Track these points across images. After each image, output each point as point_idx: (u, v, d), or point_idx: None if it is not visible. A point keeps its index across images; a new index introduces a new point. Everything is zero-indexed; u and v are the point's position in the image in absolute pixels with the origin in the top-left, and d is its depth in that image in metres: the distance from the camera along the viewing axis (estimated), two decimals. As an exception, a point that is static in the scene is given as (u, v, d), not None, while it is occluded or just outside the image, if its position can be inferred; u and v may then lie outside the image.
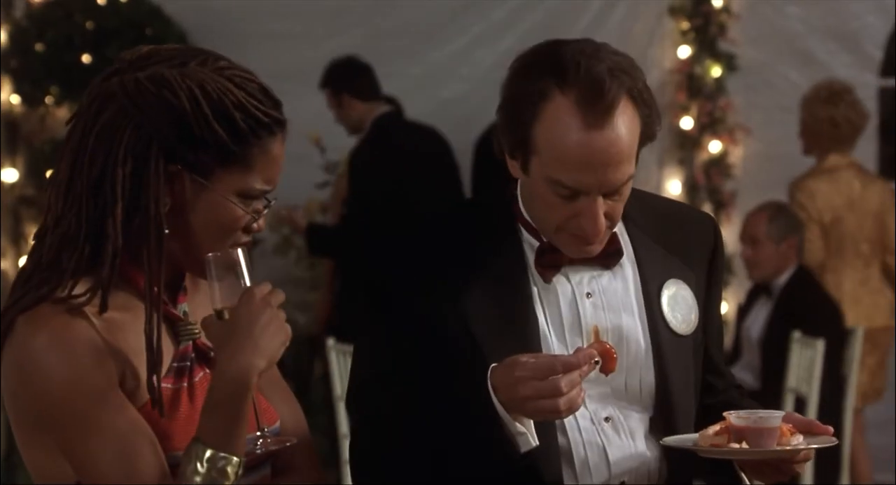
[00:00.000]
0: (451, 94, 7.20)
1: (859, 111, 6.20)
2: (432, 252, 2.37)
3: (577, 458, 2.31)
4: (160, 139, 2.05)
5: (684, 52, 7.18)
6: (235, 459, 2.00)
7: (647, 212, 2.44)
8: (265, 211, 2.14)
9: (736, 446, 2.23)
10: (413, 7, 7.24)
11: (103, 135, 2.06)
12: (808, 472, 5.41)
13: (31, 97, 6.67)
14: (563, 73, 2.23)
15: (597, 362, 2.18)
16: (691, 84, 7.14)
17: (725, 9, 7.16)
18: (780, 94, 7.10)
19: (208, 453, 1.98)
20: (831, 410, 5.51)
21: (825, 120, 6.14)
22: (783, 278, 5.78)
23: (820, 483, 5.52)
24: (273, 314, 2.02)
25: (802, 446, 2.25)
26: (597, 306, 2.35)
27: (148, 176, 2.05)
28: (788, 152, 7.03)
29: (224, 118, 2.06)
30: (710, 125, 7.14)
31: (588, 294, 2.36)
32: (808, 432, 2.29)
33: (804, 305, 5.70)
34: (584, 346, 2.25)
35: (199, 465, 1.98)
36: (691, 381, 2.39)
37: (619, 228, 2.38)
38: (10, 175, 6.78)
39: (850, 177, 6.18)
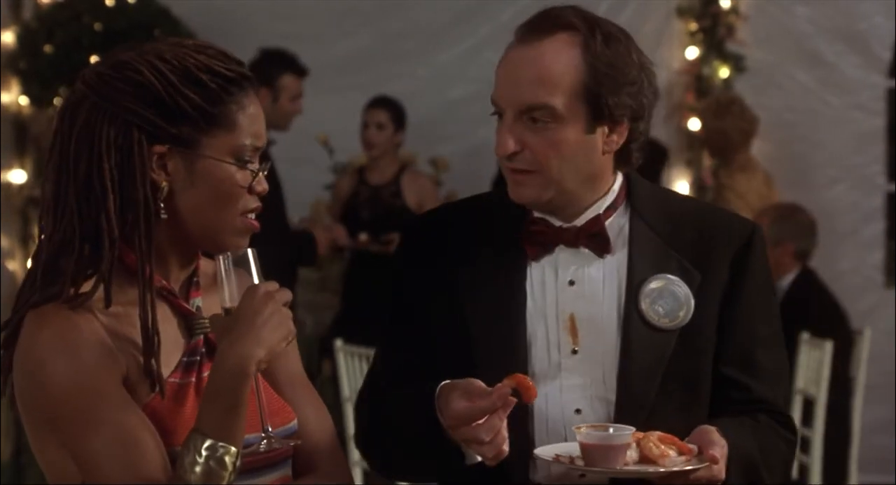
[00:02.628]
0: (459, 95, 7.19)
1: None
2: (445, 228, 2.46)
3: (539, 446, 2.32)
4: (138, 122, 2.06)
5: (692, 53, 7.18)
6: (234, 449, 1.99)
7: (661, 209, 2.44)
8: (264, 171, 2.14)
9: (580, 463, 2.20)
10: (421, 8, 7.24)
11: (82, 137, 2.06)
12: (815, 472, 5.40)
13: (40, 98, 6.67)
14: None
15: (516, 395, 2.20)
16: (699, 85, 7.14)
17: (733, 10, 7.16)
18: (788, 94, 7.10)
19: (207, 443, 1.98)
20: (839, 411, 5.51)
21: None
22: (787, 280, 5.80)
23: (827, 483, 5.52)
24: (276, 308, 2.02)
25: (641, 469, 2.18)
26: (577, 295, 2.37)
27: (133, 162, 2.05)
28: (796, 153, 7.04)
29: (192, 82, 2.07)
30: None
31: (571, 282, 2.38)
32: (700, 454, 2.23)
33: (809, 308, 5.71)
34: (561, 329, 2.33)
35: (197, 455, 1.97)
36: (658, 374, 2.35)
37: (623, 220, 2.40)
38: (19, 176, 6.79)
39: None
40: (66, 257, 2.06)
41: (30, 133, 6.81)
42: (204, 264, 2.21)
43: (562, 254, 2.39)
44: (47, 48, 6.66)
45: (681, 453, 2.21)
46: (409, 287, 2.46)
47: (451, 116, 7.12)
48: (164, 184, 2.07)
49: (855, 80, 7.07)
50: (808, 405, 5.46)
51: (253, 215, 2.14)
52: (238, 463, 2.00)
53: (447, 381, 2.27)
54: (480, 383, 2.22)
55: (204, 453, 1.97)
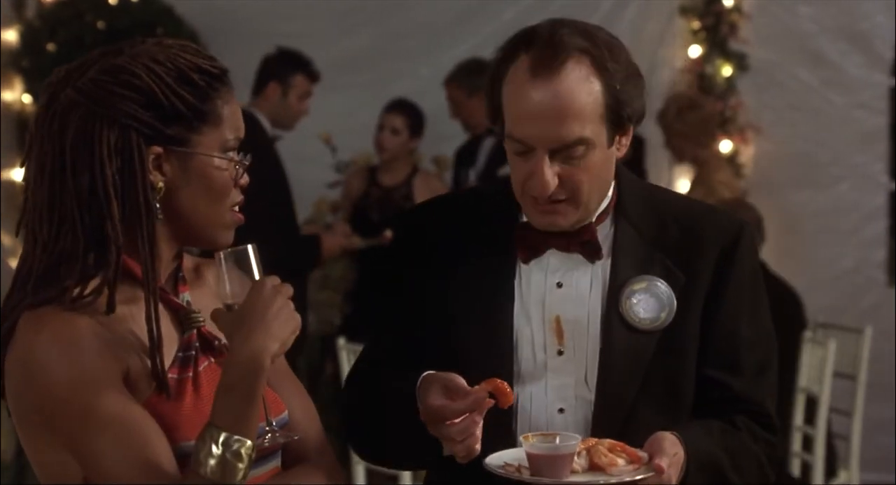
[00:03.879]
0: (462, 93, 7.20)
1: None
2: (440, 221, 2.48)
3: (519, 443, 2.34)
4: (136, 126, 2.06)
5: (695, 51, 7.18)
6: (249, 442, 2.00)
7: (647, 208, 2.44)
8: (246, 161, 2.16)
9: (526, 472, 2.19)
10: (423, 8, 7.24)
11: (78, 145, 2.06)
12: (818, 470, 5.41)
13: (43, 97, 6.69)
14: (532, 38, 2.33)
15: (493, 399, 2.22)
16: (702, 83, 7.13)
17: (736, 8, 7.15)
18: (790, 93, 7.09)
19: (223, 436, 1.99)
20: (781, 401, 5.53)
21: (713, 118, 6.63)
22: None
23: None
24: (284, 302, 2.04)
25: (587, 480, 2.17)
26: (564, 297, 2.39)
27: (134, 166, 2.06)
28: (799, 151, 7.04)
29: (185, 81, 2.09)
30: (720, 124, 7.14)
31: (559, 284, 2.39)
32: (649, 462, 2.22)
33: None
34: (547, 330, 2.35)
35: (213, 448, 1.98)
36: (638, 375, 2.35)
37: (609, 221, 2.41)
38: (22, 174, 6.80)
39: None
40: (68, 265, 2.06)
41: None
42: (186, 259, 2.23)
43: (552, 257, 2.40)
44: (50, 46, 6.68)
45: (630, 462, 2.21)
46: (401, 277, 2.48)
47: (453, 115, 7.12)
48: (161, 184, 2.09)
49: (858, 79, 7.07)
50: (811, 404, 5.46)
51: (237, 208, 2.16)
52: (253, 455, 2.02)
53: (430, 372, 2.29)
54: (461, 380, 2.24)
55: (220, 446, 1.99)
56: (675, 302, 2.38)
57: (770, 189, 6.80)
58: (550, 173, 2.31)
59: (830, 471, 5.64)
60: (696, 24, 7.20)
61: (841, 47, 7.09)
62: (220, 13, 7.02)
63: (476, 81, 6.60)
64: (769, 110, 7.08)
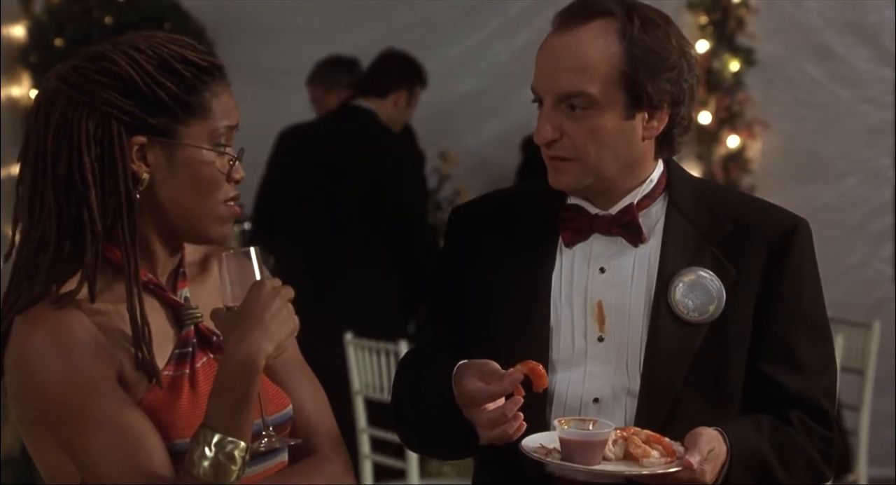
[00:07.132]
0: (468, 88, 7.19)
1: None
2: (488, 214, 2.49)
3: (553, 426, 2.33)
4: (117, 114, 2.05)
5: (702, 46, 7.17)
6: (242, 444, 1.99)
7: (700, 200, 2.42)
8: (240, 156, 2.14)
9: (557, 457, 2.20)
10: (430, 2, 7.24)
11: (59, 132, 2.05)
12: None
13: (50, 92, 6.70)
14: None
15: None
16: (709, 78, 7.13)
17: (744, 3, 7.15)
18: (798, 88, 7.09)
19: (216, 438, 1.98)
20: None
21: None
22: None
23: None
24: (283, 304, 2.02)
25: (617, 469, 2.18)
26: (606, 282, 2.37)
27: (114, 154, 2.05)
28: (806, 147, 7.04)
29: (167, 70, 2.07)
30: (728, 120, 7.13)
31: (602, 269, 2.38)
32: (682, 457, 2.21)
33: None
34: (589, 316, 2.34)
35: (206, 449, 1.97)
36: (684, 368, 2.33)
37: (660, 210, 2.40)
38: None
39: None
40: (43, 255, 2.05)
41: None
42: (189, 254, 2.21)
43: (596, 242, 2.39)
44: (58, 42, 6.68)
45: (665, 454, 2.20)
46: (448, 269, 2.48)
47: (459, 110, 7.12)
48: (145, 175, 2.07)
49: (865, 73, 7.07)
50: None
51: (232, 202, 2.14)
52: (247, 457, 2.00)
53: (465, 360, 2.29)
54: (495, 365, 2.23)
55: (213, 447, 1.97)
56: (725, 295, 2.35)
57: (777, 184, 6.80)
58: (548, 122, 2.32)
59: (845, 467, 5.63)
60: (703, 19, 7.20)
61: (848, 42, 7.09)
62: (227, 8, 7.02)
63: (333, 75, 6.54)
64: (776, 105, 7.08)
